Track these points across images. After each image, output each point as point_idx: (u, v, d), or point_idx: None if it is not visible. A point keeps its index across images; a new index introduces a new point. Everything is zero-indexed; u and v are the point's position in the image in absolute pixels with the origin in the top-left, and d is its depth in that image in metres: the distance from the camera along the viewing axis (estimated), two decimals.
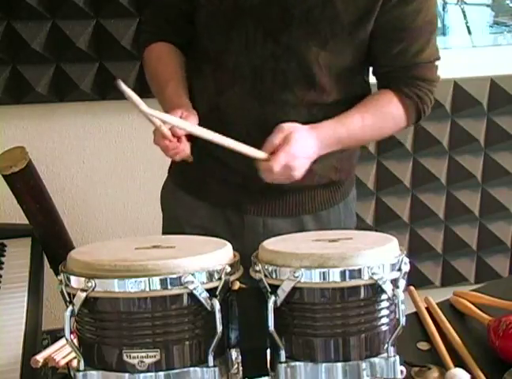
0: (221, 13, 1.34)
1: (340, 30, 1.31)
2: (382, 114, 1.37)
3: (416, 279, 2.54)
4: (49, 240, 1.93)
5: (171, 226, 1.59)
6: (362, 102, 1.39)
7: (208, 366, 0.91)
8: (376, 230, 2.44)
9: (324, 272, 0.90)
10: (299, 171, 1.27)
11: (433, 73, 1.41)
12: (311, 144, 1.29)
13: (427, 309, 1.41)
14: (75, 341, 0.94)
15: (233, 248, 1.00)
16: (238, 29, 1.33)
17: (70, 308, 0.91)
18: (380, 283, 0.90)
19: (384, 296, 0.92)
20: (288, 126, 1.27)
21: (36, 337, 1.41)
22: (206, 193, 1.52)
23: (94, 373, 0.92)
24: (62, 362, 1.18)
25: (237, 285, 0.96)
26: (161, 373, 0.90)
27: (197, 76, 1.44)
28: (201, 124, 1.30)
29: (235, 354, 0.97)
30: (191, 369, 0.91)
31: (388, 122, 1.38)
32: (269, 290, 0.92)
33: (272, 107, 1.36)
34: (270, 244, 0.99)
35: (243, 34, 1.33)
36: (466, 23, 2.78)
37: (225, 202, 1.50)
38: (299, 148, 1.25)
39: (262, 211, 1.47)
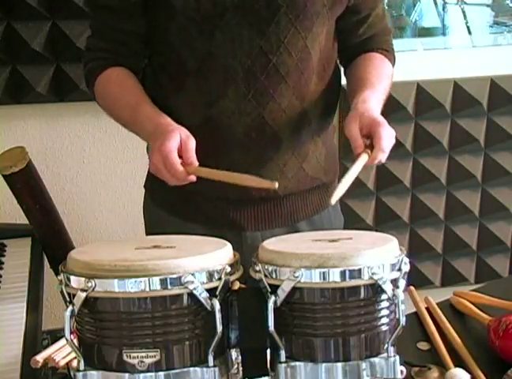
0: (201, 16, 1.29)
1: (321, 7, 1.33)
2: (385, 74, 1.45)
3: (416, 279, 2.54)
4: (49, 240, 1.93)
5: None
6: (365, 69, 1.44)
7: (208, 366, 0.91)
8: (376, 230, 2.43)
9: (324, 272, 0.90)
10: (393, 134, 1.30)
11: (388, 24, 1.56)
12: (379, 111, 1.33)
13: (427, 309, 1.41)
14: (75, 341, 0.94)
15: None
16: (221, 30, 1.29)
17: (70, 308, 0.91)
18: (380, 283, 0.90)
19: (384, 296, 0.92)
20: (354, 115, 1.27)
21: (36, 337, 1.41)
22: (196, 213, 1.46)
23: (94, 373, 0.92)
24: (62, 362, 1.18)
25: (237, 285, 0.96)
26: (161, 373, 0.90)
27: (175, 92, 1.38)
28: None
29: (235, 354, 0.97)
30: (191, 369, 0.91)
31: (389, 79, 1.47)
32: (269, 290, 0.92)
33: (270, 104, 1.35)
34: (270, 244, 1.00)
35: (228, 34, 1.29)
36: (466, 23, 2.78)
37: (220, 221, 1.44)
38: (381, 118, 1.28)
39: (260, 225, 1.45)
